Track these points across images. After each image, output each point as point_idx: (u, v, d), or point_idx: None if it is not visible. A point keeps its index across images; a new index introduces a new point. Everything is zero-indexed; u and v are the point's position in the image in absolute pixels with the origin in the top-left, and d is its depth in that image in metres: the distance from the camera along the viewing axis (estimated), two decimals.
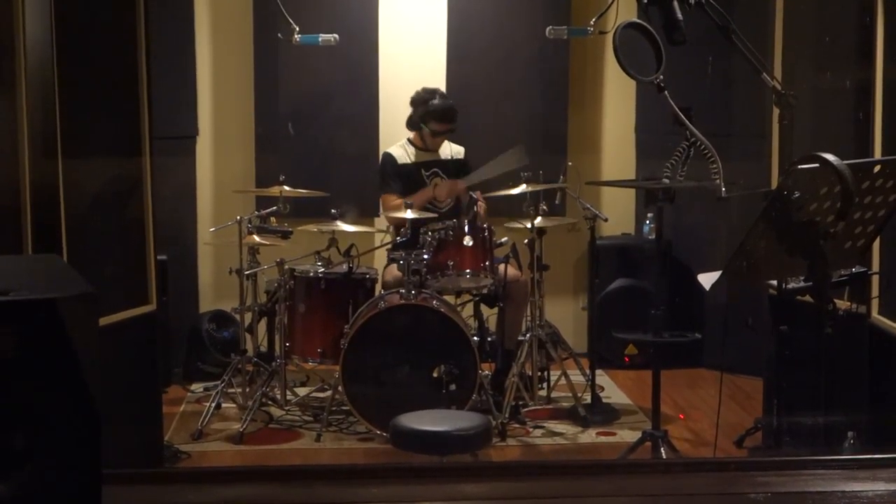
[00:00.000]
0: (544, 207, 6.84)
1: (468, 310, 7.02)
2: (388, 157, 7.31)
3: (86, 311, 2.04)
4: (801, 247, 3.53)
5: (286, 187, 6.89)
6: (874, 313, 5.23)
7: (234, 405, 6.88)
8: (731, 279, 3.81)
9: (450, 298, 6.84)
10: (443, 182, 7.13)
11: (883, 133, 5.13)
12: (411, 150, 7.30)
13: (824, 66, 5.93)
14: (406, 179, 7.19)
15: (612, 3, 6.63)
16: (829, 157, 3.39)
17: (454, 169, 7.30)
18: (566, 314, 8.37)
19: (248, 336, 6.98)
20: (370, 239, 7.49)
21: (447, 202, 7.22)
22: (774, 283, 4.54)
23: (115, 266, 5.38)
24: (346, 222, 6.81)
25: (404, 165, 7.25)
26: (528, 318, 6.89)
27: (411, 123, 7.25)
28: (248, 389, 6.83)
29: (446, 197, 7.00)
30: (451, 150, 7.37)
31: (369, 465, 5.53)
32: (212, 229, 7.52)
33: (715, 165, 4.17)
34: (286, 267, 6.70)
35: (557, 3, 8.18)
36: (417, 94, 7.28)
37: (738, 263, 3.71)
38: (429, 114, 7.16)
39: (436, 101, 7.19)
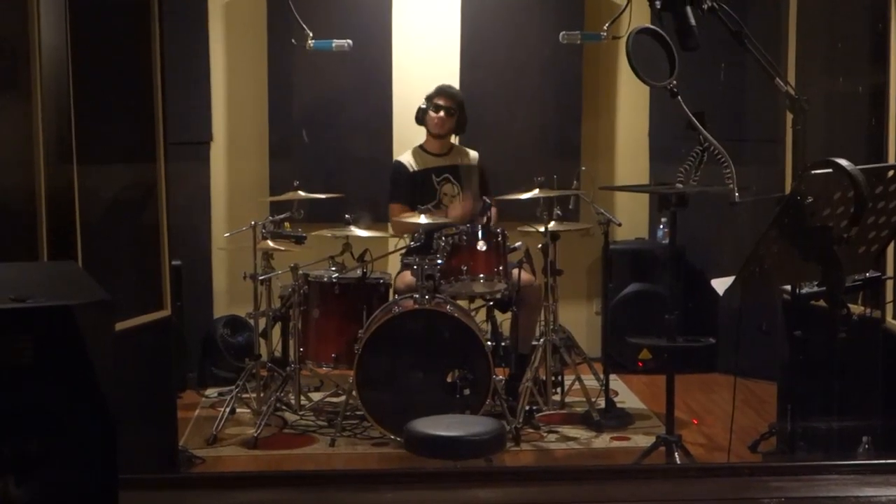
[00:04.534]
0: (558, 212, 6.85)
1: (482, 314, 7.02)
2: (398, 166, 7.33)
3: (101, 318, 2.06)
4: (814, 252, 3.52)
5: (300, 192, 6.91)
6: (888, 318, 5.22)
7: (248, 410, 6.90)
8: (744, 284, 3.80)
9: (463, 303, 6.84)
10: (455, 203, 7.11)
11: None
12: (422, 156, 7.30)
13: (837, 72, 5.93)
14: (416, 187, 7.19)
15: (625, 8, 6.65)
16: (843, 162, 3.39)
17: (465, 174, 7.30)
18: (580, 319, 8.37)
19: (262, 341, 6.99)
20: (384, 244, 7.50)
21: (456, 202, 7.23)
22: (788, 287, 4.54)
23: (129, 272, 5.39)
24: (360, 227, 6.82)
25: (414, 173, 7.25)
26: (542, 323, 6.89)
27: (419, 115, 7.28)
28: (262, 394, 6.84)
29: (461, 216, 6.98)
30: (463, 154, 7.37)
31: (383, 470, 5.54)
32: (226, 234, 7.53)
33: (728, 170, 4.17)
34: (300, 272, 6.72)
35: (571, 8, 8.19)
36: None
37: (751, 268, 3.70)
38: (433, 92, 7.25)
39: (434, 90, 7.30)
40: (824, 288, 3.62)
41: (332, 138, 8.15)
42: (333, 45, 6.95)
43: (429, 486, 2.83)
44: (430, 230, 6.68)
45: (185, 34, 7.57)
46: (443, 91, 7.27)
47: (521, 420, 6.50)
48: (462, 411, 6.08)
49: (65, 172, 4.64)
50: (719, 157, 4.25)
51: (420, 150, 7.33)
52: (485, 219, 6.70)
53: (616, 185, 8.43)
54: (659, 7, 4.38)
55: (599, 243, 7.23)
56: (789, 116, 4.64)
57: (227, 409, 6.70)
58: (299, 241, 6.82)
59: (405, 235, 7.17)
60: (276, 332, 7.08)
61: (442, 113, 7.21)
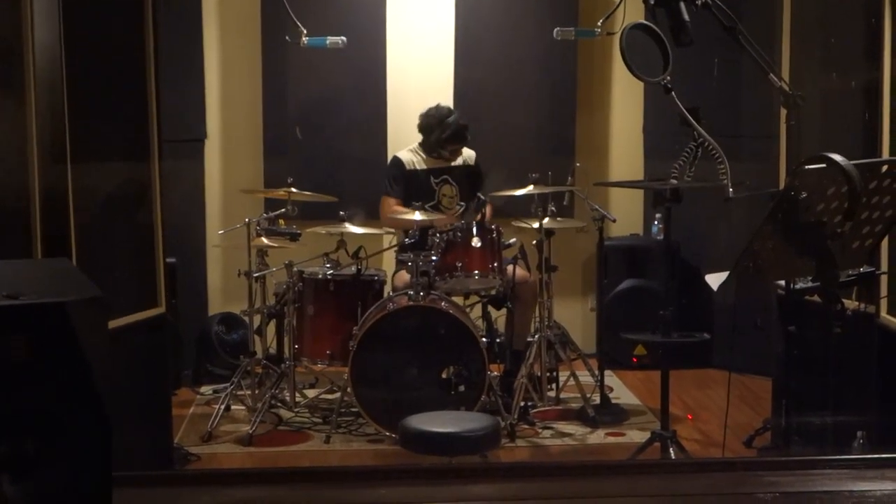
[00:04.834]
0: (552, 208, 6.84)
1: (477, 311, 7.02)
2: (396, 161, 7.31)
3: (95, 315, 2.06)
4: (808, 247, 3.53)
5: (294, 189, 6.91)
6: (882, 313, 5.22)
7: (243, 407, 6.89)
8: (739, 279, 3.81)
9: (458, 300, 6.84)
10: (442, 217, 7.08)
11: (890, 133, 5.13)
12: (422, 155, 7.28)
13: (831, 67, 5.94)
14: (413, 185, 7.17)
15: (619, 4, 6.64)
16: (837, 157, 3.40)
17: (464, 175, 7.30)
18: (575, 315, 8.37)
19: (257, 338, 6.99)
20: (379, 241, 7.49)
21: (455, 208, 7.23)
22: (782, 283, 4.55)
23: (124, 269, 5.39)
24: (355, 224, 6.82)
25: (412, 171, 7.24)
26: (537, 319, 6.89)
27: (429, 147, 7.23)
28: (257, 391, 6.83)
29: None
30: (462, 154, 7.36)
31: (378, 466, 5.54)
32: (220, 232, 7.52)
33: (722, 166, 4.17)
34: (295, 269, 6.71)
35: (565, 4, 8.18)
36: (426, 118, 7.23)
37: (745, 264, 3.71)
38: (445, 140, 7.15)
39: (449, 122, 7.16)
40: (818, 283, 3.62)
41: (327, 136, 8.14)
42: (327, 42, 6.95)
43: (424, 482, 2.83)
44: (424, 227, 6.67)
45: (179, 32, 7.57)
46: (456, 139, 7.18)
47: (515, 416, 6.51)
48: (457, 407, 6.09)
49: (59, 171, 4.64)
50: (713, 152, 4.25)
51: (420, 150, 7.31)
52: (480, 216, 6.71)
53: (610, 181, 8.42)
54: (653, 3, 4.39)
55: (594, 239, 7.23)
56: (783, 112, 4.65)
57: (222, 407, 6.69)
58: (294, 238, 6.81)
59: (398, 231, 7.17)
60: (271, 329, 7.08)
61: (454, 154, 7.23)
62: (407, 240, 6.75)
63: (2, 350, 1.94)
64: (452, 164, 7.30)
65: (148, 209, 5.43)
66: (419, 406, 5.40)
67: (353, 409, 6.54)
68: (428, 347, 6.33)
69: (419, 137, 7.32)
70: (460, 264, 6.52)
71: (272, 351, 7.11)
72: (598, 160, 8.47)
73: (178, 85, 7.25)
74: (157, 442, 5.65)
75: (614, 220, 7.25)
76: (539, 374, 6.82)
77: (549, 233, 6.77)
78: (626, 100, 8.45)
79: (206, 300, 8.16)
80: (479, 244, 6.54)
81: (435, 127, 7.16)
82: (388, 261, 7.44)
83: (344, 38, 6.94)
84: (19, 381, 1.96)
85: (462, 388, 6.25)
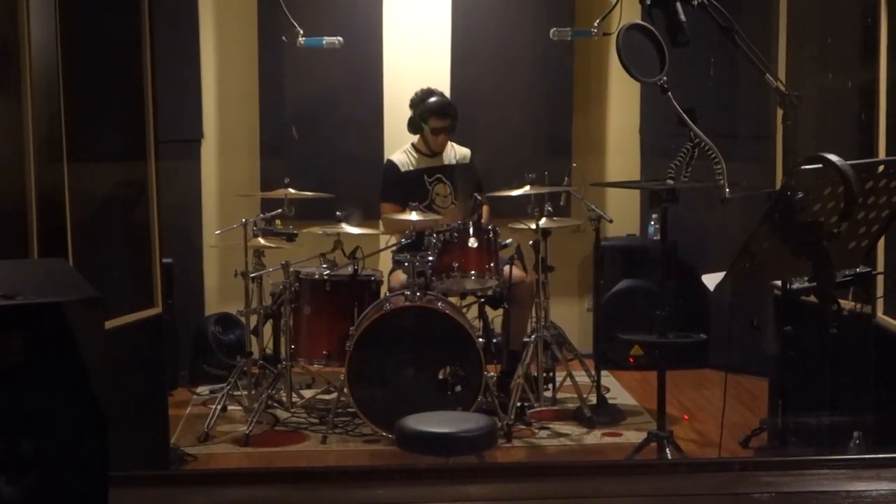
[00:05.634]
0: (549, 209, 6.85)
1: (473, 311, 7.02)
2: (390, 165, 7.31)
3: (91, 315, 2.05)
4: (805, 247, 3.53)
5: (291, 189, 6.91)
6: (879, 313, 5.22)
7: (239, 407, 6.89)
8: (735, 280, 3.81)
9: (455, 300, 6.84)
10: (450, 210, 7.09)
11: (887, 133, 5.13)
12: (415, 155, 7.28)
13: (828, 67, 5.94)
14: (408, 187, 7.17)
15: (615, 4, 6.64)
16: (833, 157, 3.39)
17: (458, 174, 7.30)
18: (571, 315, 8.37)
19: (253, 338, 6.98)
20: (375, 241, 7.50)
21: (449, 207, 7.23)
22: (779, 283, 4.55)
23: (120, 269, 5.38)
24: (351, 224, 6.82)
25: (406, 173, 7.24)
26: (534, 320, 6.89)
27: (412, 125, 7.24)
28: (253, 392, 6.84)
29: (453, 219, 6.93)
30: (455, 152, 7.36)
31: (375, 466, 5.54)
32: (217, 232, 7.52)
33: (719, 166, 4.18)
34: (291, 269, 6.71)
35: (561, 5, 8.19)
36: (415, 94, 7.28)
37: (742, 264, 3.71)
38: (427, 111, 7.15)
39: (433, 99, 7.20)
40: (815, 283, 3.62)
41: (323, 136, 8.14)
42: (324, 42, 6.94)
43: (420, 482, 2.83)
44: (421, 227, 6.67)
45: (176, 32, 7.56)
46: (438, 111, 7.16)
47: (512, 416, 6.51)
48: (453, 408, 6.08)
49: (55, 171, 4.64)
50: (710, 152, 4.26)
51: (413, 150, 7.31)
52: (476, 216, 6.71)
53: (607, 182, 8.42)
54: (649, 3, 4.39)
55: (591, 240, 7.22)
56: (780, 112, 4.66)
57: (219, 407, 6.70)
58: (290, 238, 6.81)
59: (396, 234, 7.17)
60: (268, 329, 7.07)
61: (441, 136, 7.21)
62: (404, 240, 6.75)
63: None
64: (446, 162, 7.30)
65: (144, 209, 5.43)
66: (416, 406, 5.39)
67: (350, 410, 6.55)
68: (425, 348, 6.33)
69: (415, 137, 7.32)
70: (457, 264, 6.52)
71: (269, 351, 7.11)
72: (595, 160, 8.47)
73: (175, 85, 7.24)
74: (154, 442, 5.64)
75: (611, 221, 7.25)
76: (536, 374, 6.83)
77: (545, 233, 6.77)
78: (622, 100, 8.46)
79: (202, 300, 8.15)
80: (475, 244, 6.54)
81: (421, 100, 7.19)
82: (385, 261, 7.43)
83: (340, 39, 6.94)
84: (15, 380, 1.95)
85: (459, 388, 6.25)
